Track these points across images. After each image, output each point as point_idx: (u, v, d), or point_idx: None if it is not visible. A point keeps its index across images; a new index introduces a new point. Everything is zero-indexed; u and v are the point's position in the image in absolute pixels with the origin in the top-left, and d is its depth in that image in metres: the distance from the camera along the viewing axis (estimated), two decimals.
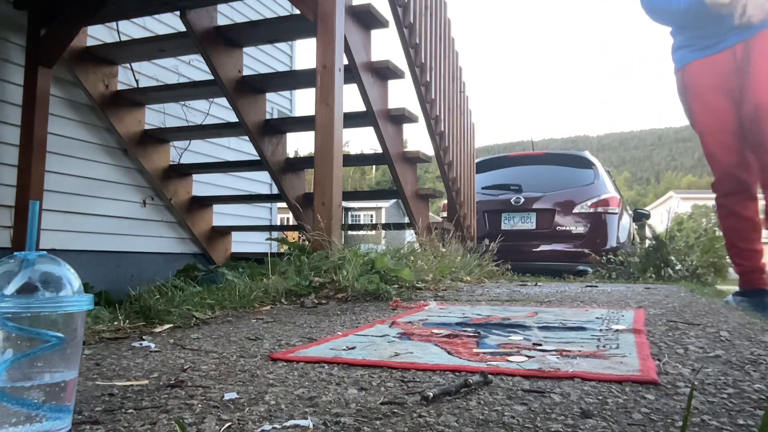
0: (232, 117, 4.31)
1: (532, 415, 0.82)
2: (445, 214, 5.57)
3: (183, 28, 3.68)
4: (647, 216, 7.45)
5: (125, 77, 4.46)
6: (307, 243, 2.89)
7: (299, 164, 4.33)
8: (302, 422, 0.78)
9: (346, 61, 3.19)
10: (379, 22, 3.56)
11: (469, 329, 1.57)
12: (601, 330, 1.55)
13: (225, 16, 4.65)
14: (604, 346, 1.31)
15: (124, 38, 4.32)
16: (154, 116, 4.70)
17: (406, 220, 4.25)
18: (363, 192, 11.76)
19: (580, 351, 1.25)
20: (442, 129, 4.30)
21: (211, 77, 3.89)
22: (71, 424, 0.76)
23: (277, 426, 0.77)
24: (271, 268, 2.62)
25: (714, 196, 2.70)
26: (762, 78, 2.42)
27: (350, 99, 4.09)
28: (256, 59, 5.99)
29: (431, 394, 0.87)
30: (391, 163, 3.81)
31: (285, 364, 1.17)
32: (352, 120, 3.70)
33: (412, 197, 4.07)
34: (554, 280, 4.61)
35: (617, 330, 1.54)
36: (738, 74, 2.49)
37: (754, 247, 2.58)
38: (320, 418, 0.81)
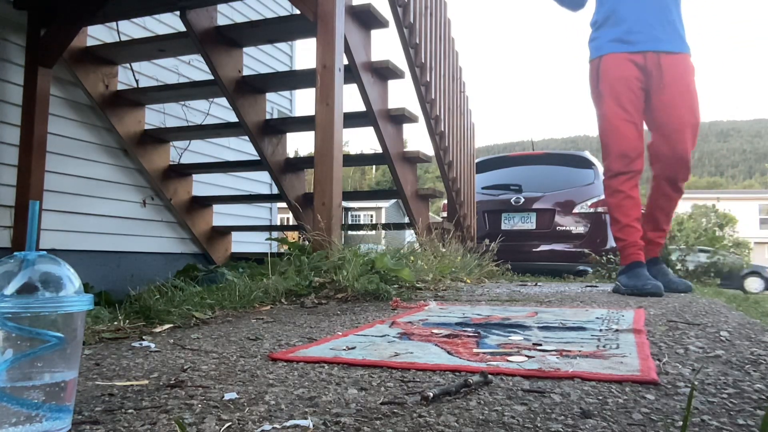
0: (232, 117, 4.31)
1: (532, 415, 0.82)
2: (445, 214, 5.58)
3: (183, 28, 3.68)
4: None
5: (125, 77, 4.46)
6: (307, 243, 2.89)
7: (299, 164, 4.33)
8: (302, 422, 0.78)
9: (346, 61, 3.19)
10: (379, 22, 3.56)
11: (469, 329, 1.57)
12: (601, 330, 1.55)
13: (225, 16, 4.65)
14: (604, 346, 1.31)
15: (124, 38, 4.32)
16: (154, 116, 4.70)
17: (406, 220, 4.25)
18: (363, 192, 11.77)
19: (580, 351, 1.25)
20: (442, 129, 4.30)
21: (211, 77, 3.89)
22: (71, 424, 0.76)
23: (277, 426, 0.77)
24: (271, 268, 2.62)
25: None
26: (684, 100, 2.76)
27: (350, 99, 4.09)
28: (256, 59, 5.99)
29: (431, 394, 0.87)
30: (391, 163, 3.81)
31: (285, 364, 1.17)
32: (352, 120, 3.70)
33: (412, 197, 4.07)
34: (554, 280, 4.62)
35: (617, 330, 1.54)
36: (647, 77, 2.78)
37: (634, 224, 2.82)
38: (320, 418, 0.80)
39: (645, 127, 2.88)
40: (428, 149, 4.39)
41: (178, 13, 3.60)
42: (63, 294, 0.75)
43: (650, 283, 2.65)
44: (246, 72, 4.03)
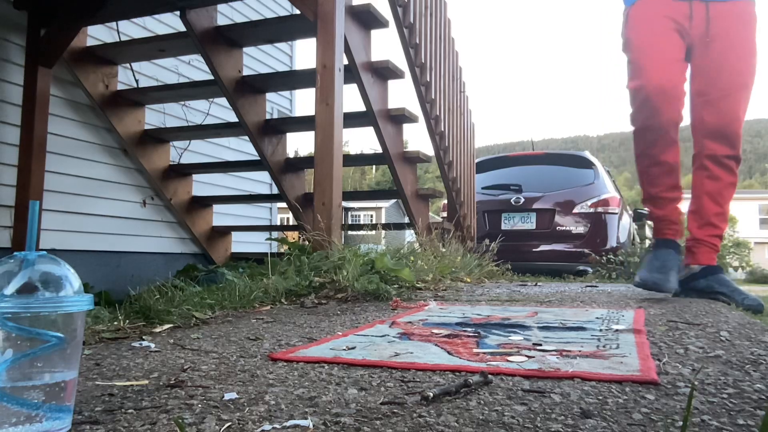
0: (232, 117, 4.31)
1: (532, 415, 0.82)
2: (445, 214, 5.58)
3: (183, 28, 3.68)
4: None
5: (125, 77, 4.46)
6: (307, 243, 2.89)
7: (299, 164, 4.33)
8: (302, 422, 0.78)
9: (346, 61, 3.19)
10: (379, 22, 3.56)
11: (469, 329, 1.57)
12: (601, 330, 1.55)
13: (225, 16, 4.65)
14: (604, 346, 1.31)
15: (124, 38, 4.32)
16: (154, 116, 4.70)
17: (406, 220, 4.25)
18: (363, 192, 11.77)
19: (580, 351, 1.25)
20: (442, 129, 4.30)
21: (211, 77, 3.89)
22: (71, 424, 0.76)
23: (277, 426, 0.77)
24: (271, 268, 2.62)
25: None
26: (732, 59, 2.27)
27: (350, 99, 4.09)
28: (256, 59, 5.99)
29: (431, 394, 0.87)
30: (391, 163, 3.81)
31: (285, 364, 1.17)
32: (352, 120, 3.70)
33: (412, 197, 4.07)
34: (554, 280, 4.61)
35: (617, 330, 1.54)
36: (691, 31, 2.29)
37: (664, 195, 2.33)
38: (320, 418, 0.80)
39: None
40: (428, 149, 4.39)
41: (178, 13, 3.61)
42: (63, 294, 0.75)
43: (666, 282, 2.24)
44: (246, 72, 4.03)
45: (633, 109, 2.34)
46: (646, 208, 2.48)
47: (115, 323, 1.73)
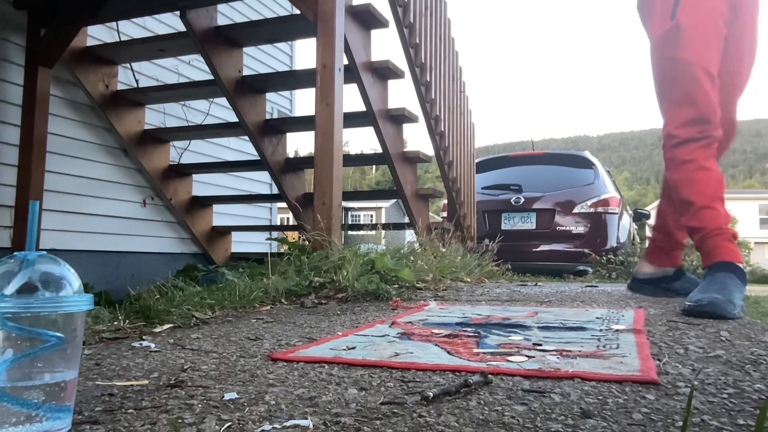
0: (232, 117, 4.31)
1: (532, 415, 0.82)
2: (445, 214, 5.58)
3: (183, 28, 3.68)
4: (647, 216, 7.46)
5: (125, 77, 4.46)
6: (307, 243, 2.89)
7: (299, 164, 4.33)
8: (302, 422, 0.78)
9: (346, 61, 3.19)
10: (379, 22, 3.56)
11: (469, 329, 1.57)
12: (601, 330, 1.55)
13: (225, 16, 4.65)
14: (604, 346, 1.31)
15: (124, 38, 4.32)
16: (154, 116, 4.70)
17: (406, 220, 4.25)
18: (363, 192, 11.76)
19: (580, 351, 1.25)
20: (442, 129, 4.30)
21: (211, 77, 3.89)
22: (71, 424, 0.76)
23: (277, 426, 0.77)
24: (271, 268, 2.62)
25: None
26: (752, 35, 2.07)
27: (350, 99, 4.09)
28: (256, 59, 5.99)
29: (431, 394, 0.87)
30: (391, 163, 3.81)
31: (285, 364, 1.17)
32: (352, 120, 3.70)
33: (412, 197, 4.07)
34: (554, 280, 4.61)
35: (617, 330, 1.54)
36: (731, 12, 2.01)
37: (713, 205, 1.95)
38: (320, 418, 0.80)
39: None
40: (428, 149, 4.39)
41: (178, 13, 3.60)
42: (63, 294, 0.75)
43: (727, 304, 1.76)
44: (246, 72, 4.03)
45: (675, 124, 2.02)
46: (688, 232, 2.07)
47: (115, 323, 1.73)
